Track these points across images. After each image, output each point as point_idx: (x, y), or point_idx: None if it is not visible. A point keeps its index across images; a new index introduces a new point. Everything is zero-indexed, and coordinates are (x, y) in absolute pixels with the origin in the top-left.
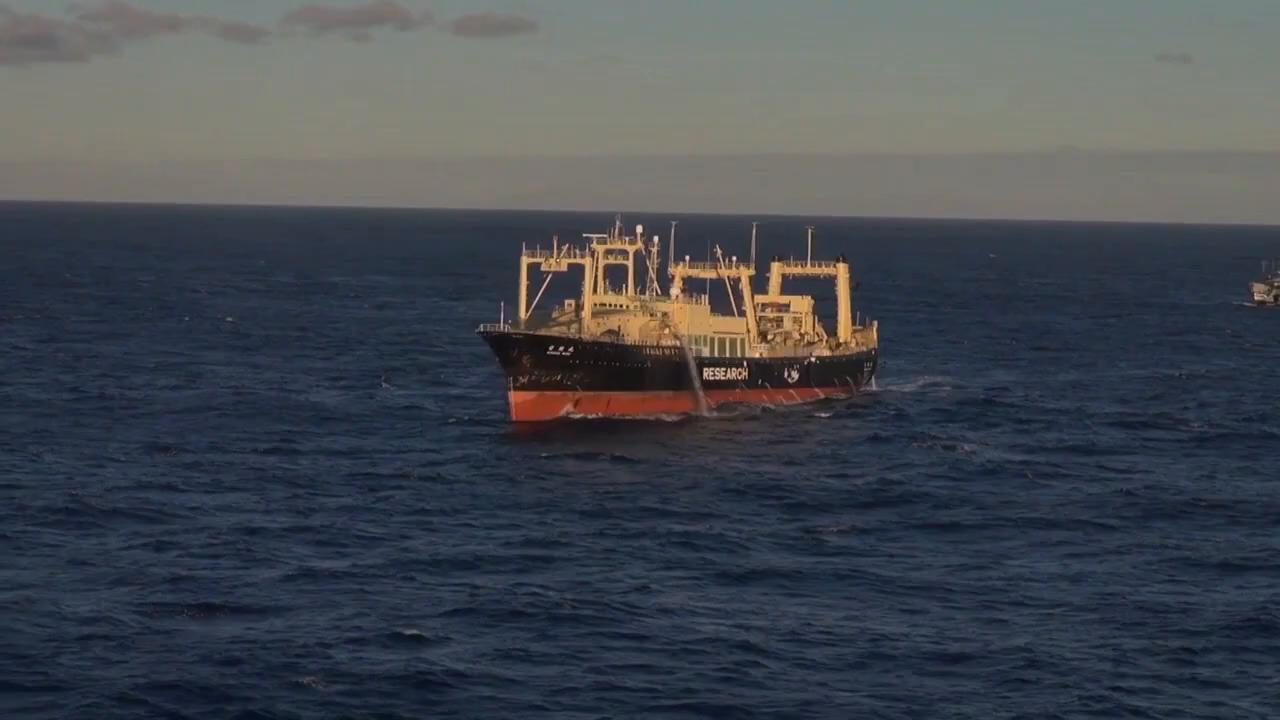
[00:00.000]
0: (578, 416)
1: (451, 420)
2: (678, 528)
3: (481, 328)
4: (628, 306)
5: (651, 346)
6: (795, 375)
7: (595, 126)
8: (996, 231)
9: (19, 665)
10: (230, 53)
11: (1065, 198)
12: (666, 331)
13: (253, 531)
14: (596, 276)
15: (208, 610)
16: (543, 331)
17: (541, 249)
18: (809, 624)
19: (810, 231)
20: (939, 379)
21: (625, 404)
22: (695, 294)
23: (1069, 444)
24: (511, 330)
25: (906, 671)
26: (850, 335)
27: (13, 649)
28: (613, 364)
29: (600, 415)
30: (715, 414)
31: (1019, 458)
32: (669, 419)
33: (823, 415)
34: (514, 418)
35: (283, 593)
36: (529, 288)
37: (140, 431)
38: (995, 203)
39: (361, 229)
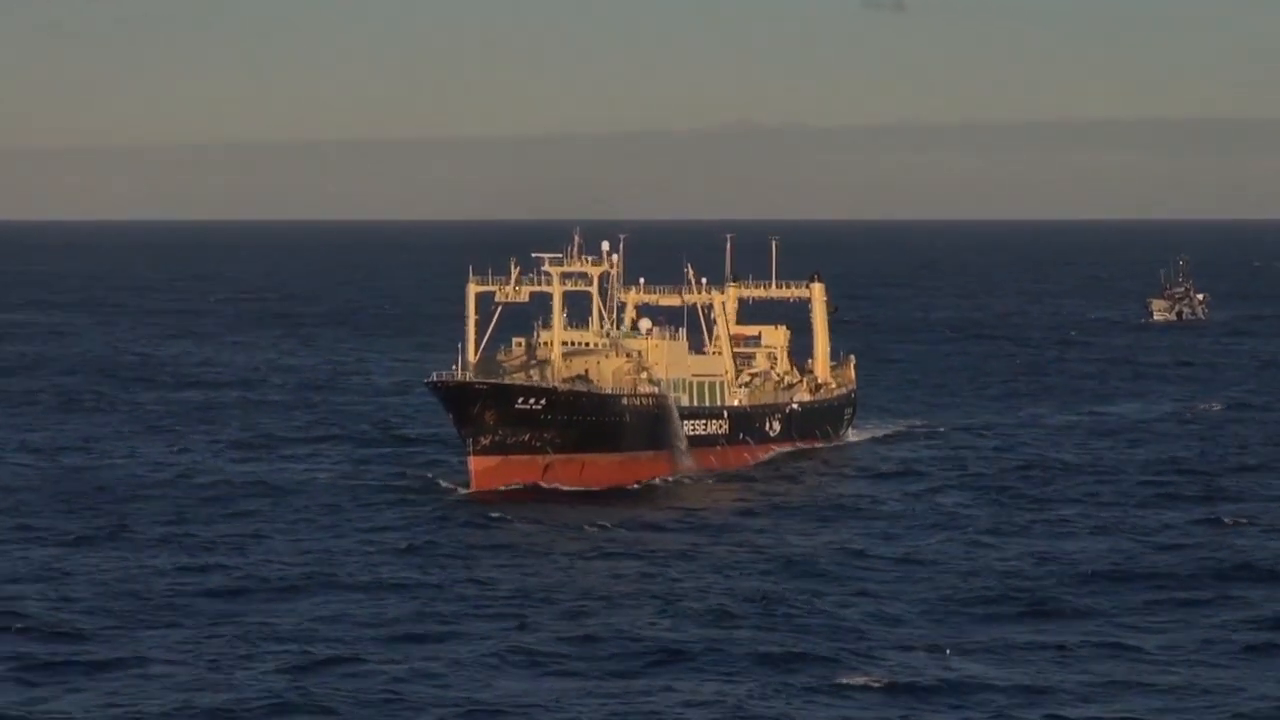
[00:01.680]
0: (566, 490)
1: (401, 487)
2: (848, 612)
3: (435, 377)
4: (596, 345)
5: (629, 395)
6: (777, 426)
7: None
8: (657, 231)
9: None
10: None
11: (742, 188)
12: (643, 375)
13: (364, 625)
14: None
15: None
16: (509, 380)
17: (495, 275)
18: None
19: (774, 243)
20: (912, 424)
21: (602, 469)
22: (672, 327)
23: (1170, 493)
24: (474, 380)
25: None
26: (828, 373)
27: None
28: (588, 418)
29: (571, 486)
30: (697, 477)
31: (1141, 519)
32: (644, 485)
33: (836, 475)
34: (475, 488)
35: (499, 682)
36: (478, 324)
37: (62, 511)
38: (640, 196)
39: None
